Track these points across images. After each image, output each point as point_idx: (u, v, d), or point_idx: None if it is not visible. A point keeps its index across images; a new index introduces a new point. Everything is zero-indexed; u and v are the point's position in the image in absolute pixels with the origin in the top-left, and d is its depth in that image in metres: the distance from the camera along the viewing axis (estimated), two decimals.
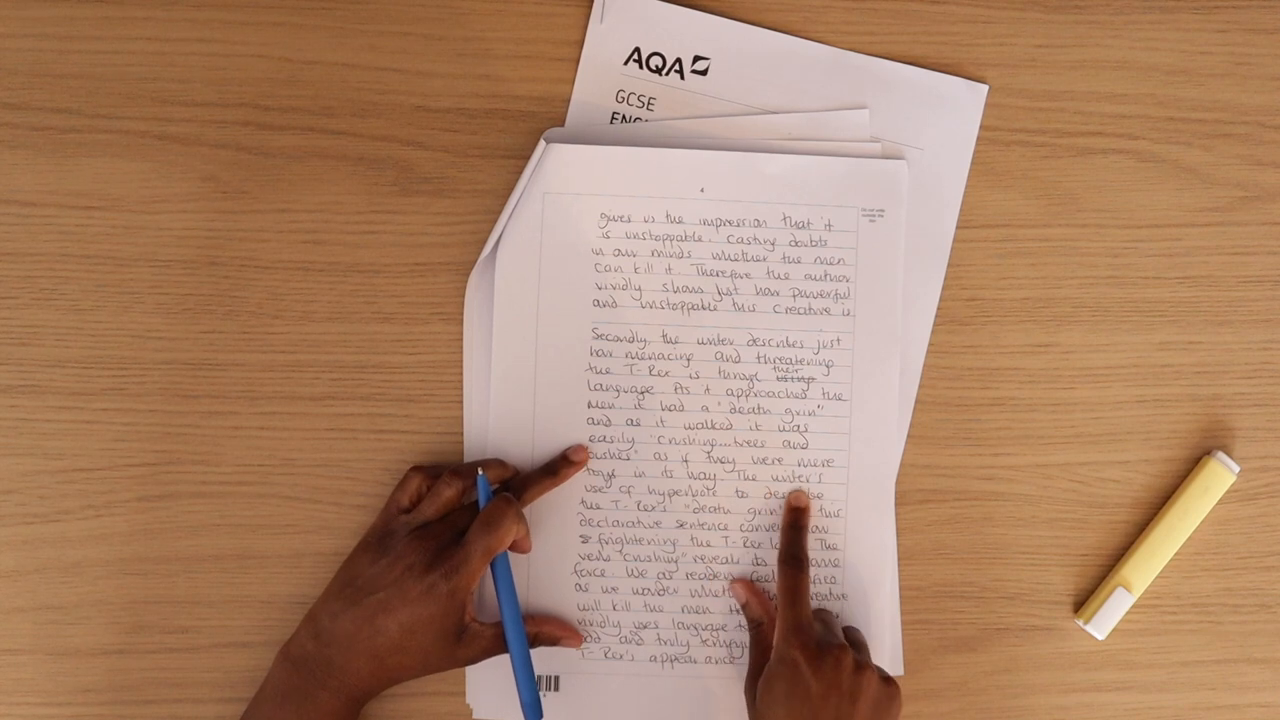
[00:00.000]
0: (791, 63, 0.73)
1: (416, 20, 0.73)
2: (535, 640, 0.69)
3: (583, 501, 0.72)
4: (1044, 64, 0.73)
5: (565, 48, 0.73)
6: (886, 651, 0.72)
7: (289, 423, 0.72)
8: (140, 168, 0.72)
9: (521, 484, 0.70)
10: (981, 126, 0.73)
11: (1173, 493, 0.73)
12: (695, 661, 0.72)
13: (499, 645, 0.67)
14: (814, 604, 0.72)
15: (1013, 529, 0.73)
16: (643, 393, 0.72)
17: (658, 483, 0.72)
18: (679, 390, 0.72)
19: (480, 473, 0.68)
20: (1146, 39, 0.73)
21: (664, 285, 0.72)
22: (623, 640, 0.72)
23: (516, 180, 0.72)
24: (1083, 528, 0.73)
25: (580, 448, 0.71)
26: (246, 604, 0.72)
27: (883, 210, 0.72)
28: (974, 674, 0.73)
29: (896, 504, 0.73)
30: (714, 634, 0.72)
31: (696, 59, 0.73)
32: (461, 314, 0.72)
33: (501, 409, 0.72)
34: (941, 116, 0.73)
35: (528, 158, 0.72)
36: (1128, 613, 0.72)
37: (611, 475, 0.72)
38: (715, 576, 0.72)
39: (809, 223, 0.72)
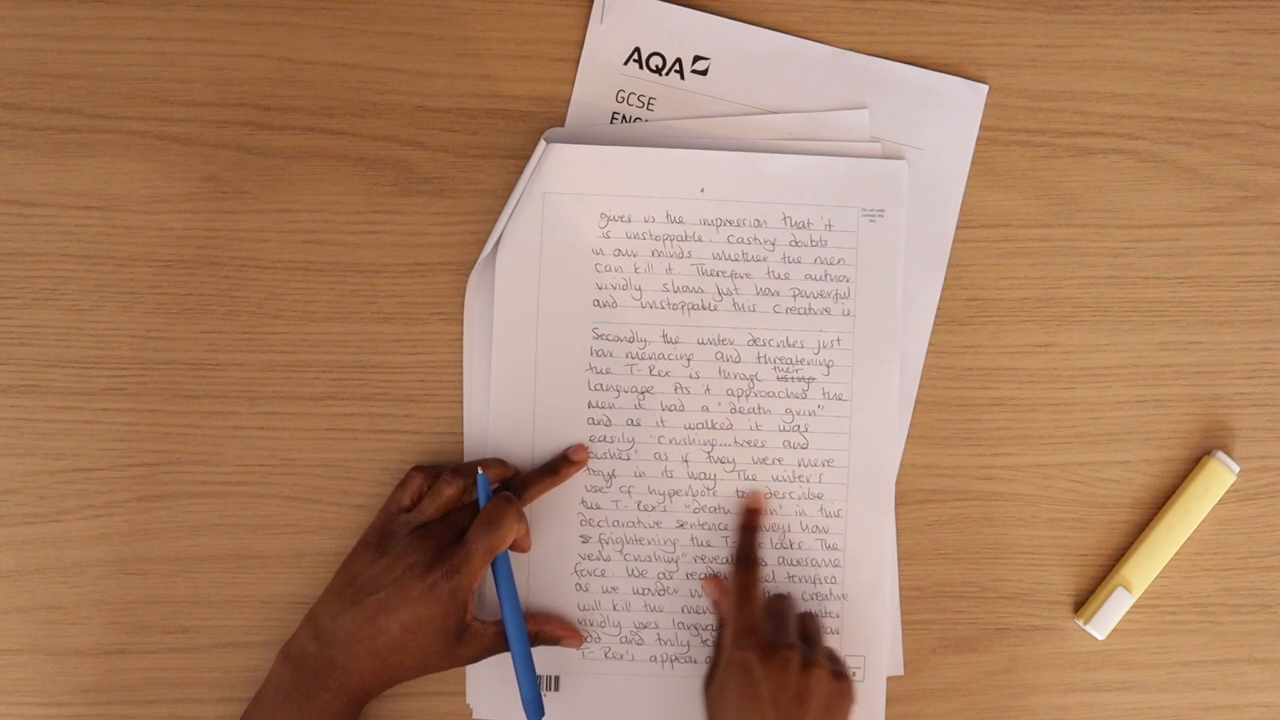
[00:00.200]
0: (791, 63, 0.73)
1: (416, 20, 0.73)
2: (536, 639, 0.69)
3: (583, 501, 0.72)
4: (1044, 64, 0.73)
5: (565, 48, 0.73)
6: (886, 651, 0.72)
7: (289, 423, 0.72)
8: (140, 168, 0.72)
9: (522, 483, 0.70)
10: (981, 126, 0.73)
11: (1173, 493, 0.73)
12: (695, 661, 0.72)
13: (500, 644, 0.68)
14: (808, 604, 0.72)
15: (1013, 529, 0.73)
16: (643, 393, 0.72)
17: (658, 483, 0.72)
18: (679, 390, 0.72)
19: (480, 472, 0.68)
20: (1146, 39, 0.73)
21: (664, 285, 0.72)
22: (623, 640, 0.72)
23: (516, 180, 0.72)
24: (1083, 528, 0.73)
25: (580, 447, 0.71)
26: (246, 604, 0.72)
27: (883, 210, 0.72)
28: (974, 674, 0.73)
29: (896, 504, 0.73)
30: (714, 634, 0.72)
31: (696, 59, 0.73)
32: (461, 314, 0.72)
33: (501, 409, 0.72)
34: (941, 116, 0.73)
35: (528, 158, 0.72)
36: (1128, 613, 0.72)
37: (612, 475, 0.72)
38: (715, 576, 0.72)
39: (809, 223, 0.72)
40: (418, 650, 0.66)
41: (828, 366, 0.72)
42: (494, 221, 0.72)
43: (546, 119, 0.73)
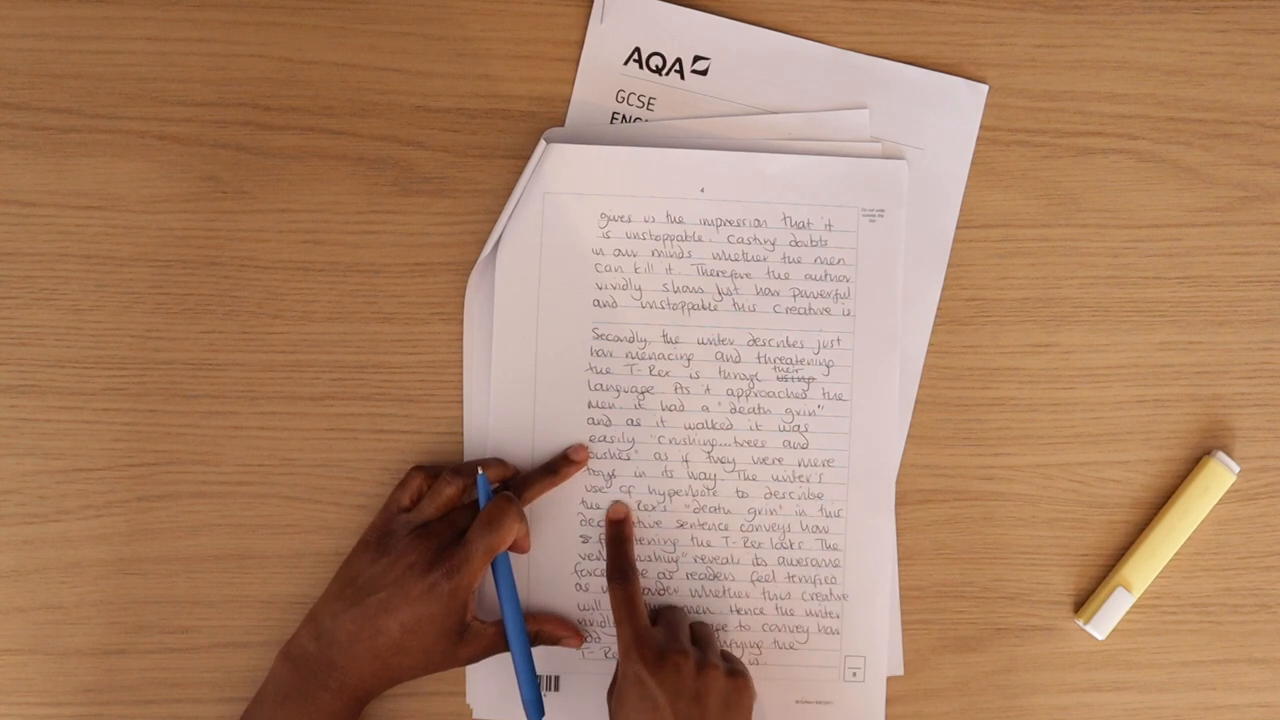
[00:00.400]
0: (791, 63, 0.73)
1: (416, 20, 0.73)
2: (536, 639, 0.69)
3: (583, 501, 0.72)
4: (1044, 64, 0.73)
5: (565, 48, 0.73)
6: (886, 651, 0.72)
7: (289, 423, 0.72)
8: (140, 168, 0.72)
9: (522, 483, 0.70)
10: (981, 126, 0.73)
11: (1173, 493, 0.73)
12: None
13: (500, 643, 0.68)
14: (808, 604, 0.72)
15: (1013, 529, 0.73)
16: (643, 393, 0.72)
17: (658, 483, 0.72)
18: (679, 390, 0.72)
19: (480, 472, 0.68)
20: (1146, 39, 0.73)
21: (664, 285, 0.72)
22: None
23: (516, 180, 0.72)
24: (1083, 528, 0.73)
25: (580, 447, 0.71)
26: (246, 604, 0.72)
27: (883, 210, 0.72)
28: (974, 674, 0.73)
29: (896, 504, 0.73)
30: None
31: (696, 59, 0.73)
32: (461, 314, 0.72)
33: (501, 409, 0.72)
34: (941, 116, 0.73)
35: (528, 158, 0.72)
36: (1128, 613, 0.72)
37: (611, 475, 0.72)
38: (715, 576, 0.72)
39: (809, 223, 0.72)
40: (418, 650, 0.66)
41: (828, 366, 0.72)
42: (494, 221, 0.72)
43: (546, 119, 0.73)
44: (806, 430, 0.72)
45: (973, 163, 0.73)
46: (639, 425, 0.72)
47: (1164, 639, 0.73)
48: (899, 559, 0.73)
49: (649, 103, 0.73)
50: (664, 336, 0.72)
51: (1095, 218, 0.73)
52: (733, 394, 0.72)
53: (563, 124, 0.73)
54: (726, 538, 0.72)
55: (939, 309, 0.73)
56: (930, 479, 0.73)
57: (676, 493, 0.72)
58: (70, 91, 0.72)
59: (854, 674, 0.71)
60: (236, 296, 0.72)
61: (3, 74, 0.72)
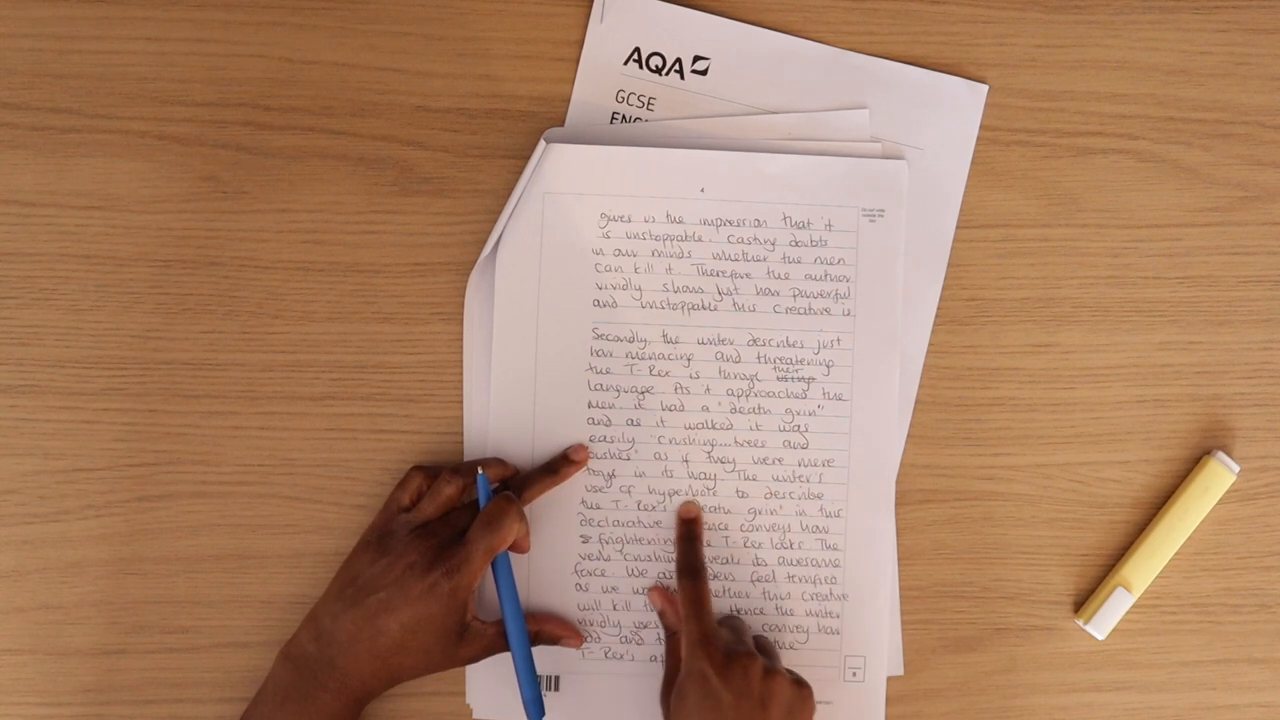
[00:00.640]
0: (791, 63, 0.73)
1: (416, 20, 0.73)
2: (536, 639, 0.69)
3: (583, 501, 0.72)
4: (1044, 64, 0.73)
5: (565, 48, 0.73)
6: (886, 651, 0.72)
7: (289, 423, 0.72)
8: (140, 168, 0.72)
9: (522, 483, 0.70)
10: (981, 126, 0.73)
11: (1173, 493, 0.73)
12: None
13: (501, 643, 0.68)
14: (808, 604, 0.72)
15: (1013, 529, 0.73)
16: (643, 393, 0.72)
17: (658, 483, 0.72)
18: (679, 390, 0.72)
19: (480, 472, 0.68)
20: (1146, 39, 0.73)
21: (664, 285, 0.72)
22: (623, 640, 0.72)
23: (516, 180, 0.72)
24: (1083, 528, 0.73)
25: (581, 447, 0.71)
26: (246, 604, 0.72)
27: (883, 210, 0.72)
28: (974, 674, 0.73)
29: (896, 504, 0.73)
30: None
31: (696, 59, 0.73)
32: (461, 314, 0.72)
33: (501, 409, 0.72)
34: (941, 116, 0.73)
35: (528, 158, 0.72)
36: (1128, 613, 0.72)
37: (612, 475, 0.72)
38: (715, 577, 0.72)
39: (809, 223, 0.72)
40: (418, 650, 0.66)
41: (828, 366, 0.72)
42: (494, 221, 0.72)
43: (546, 119, 0.73)
44: (806, 430, 0.72)
45: (973, 163, 0.73)
46: (639, 425, 0.72)
47: (1164, 639, 0.73)
48: (899, 559, 0.73)
49: (649, 103, 0.73)
50: (664, 336, 0.72)
51: (1095, 218, 0.73)
52: (733, 394, 0.72)
53: (563, 124, 0.73)
54: (726, 538, 0.72)
55: (939, 309, 0.73)
56: (930, 479, 0.73)
57: (676, 493, 0.72)
58: (70, 91, 0.72)
59: (854, 674, 0.71)
60: (236, 296, 0.72)
61: (3, 74, 0.72)
